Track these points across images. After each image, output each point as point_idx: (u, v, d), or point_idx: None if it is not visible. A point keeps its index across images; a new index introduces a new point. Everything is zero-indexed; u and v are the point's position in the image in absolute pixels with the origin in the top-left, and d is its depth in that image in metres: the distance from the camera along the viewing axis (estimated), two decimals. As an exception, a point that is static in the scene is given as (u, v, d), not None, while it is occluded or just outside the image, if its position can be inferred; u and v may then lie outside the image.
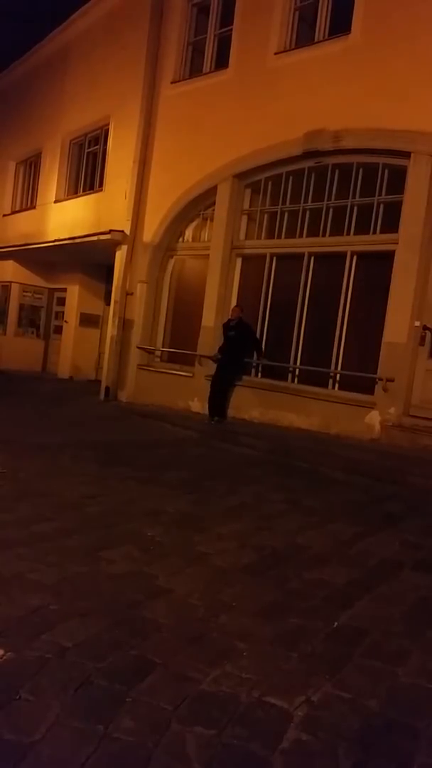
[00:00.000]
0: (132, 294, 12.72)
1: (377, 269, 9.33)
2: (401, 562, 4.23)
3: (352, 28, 9.73)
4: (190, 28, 12.87)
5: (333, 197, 10.10)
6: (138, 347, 12.66)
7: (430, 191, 8.73)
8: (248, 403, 10.55)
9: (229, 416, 10.54)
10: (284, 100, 10.45)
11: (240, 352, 10.56)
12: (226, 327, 10.73)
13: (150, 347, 12.68)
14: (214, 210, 11.62)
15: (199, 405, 11.21)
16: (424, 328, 8.78)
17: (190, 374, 11.53)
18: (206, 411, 10.67)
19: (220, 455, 8.01)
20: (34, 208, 17.72)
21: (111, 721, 2.33)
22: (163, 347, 12.67)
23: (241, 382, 10.75)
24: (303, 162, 10.35)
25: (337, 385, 9.74)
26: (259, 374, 10.80)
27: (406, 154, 8.95)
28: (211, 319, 11.30)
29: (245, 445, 8.30)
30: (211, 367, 11.02)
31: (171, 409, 11.51)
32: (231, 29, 11.71)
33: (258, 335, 10.81)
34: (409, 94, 8.86)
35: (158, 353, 12.69)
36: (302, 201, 10.51)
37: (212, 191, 11.60)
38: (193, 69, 12.74)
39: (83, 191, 15.73)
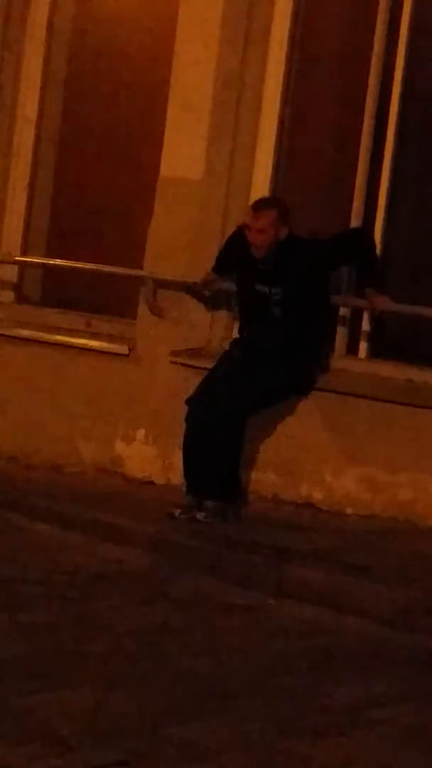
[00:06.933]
0: None
1: None
2: None
3: None
4: None
5: None
6: None
7: None
8: (321, 448, 4.82)
9: (251, 491, 4.79)
10: None
11: (297, 336, 4.70)
12: (246, 268, 4.69)
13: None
14: None
15: (151, 450, 5.11)
16: None
17: (123, 347, 5.22)
18: (177, 474, 4.78)
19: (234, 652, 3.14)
20: None
21: None
22: (23, 255, 5.90)
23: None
24: None
25: None
26: (360, 348, 5.14)
27: None
28: (188, 153, 5.24)
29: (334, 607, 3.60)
30: (196, 326, 5.04)
31: (56, 466, 5.51)
32: None
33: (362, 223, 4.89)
34: None
35: (10, 281, 6.06)
36: None
37: None
38: None
39: None
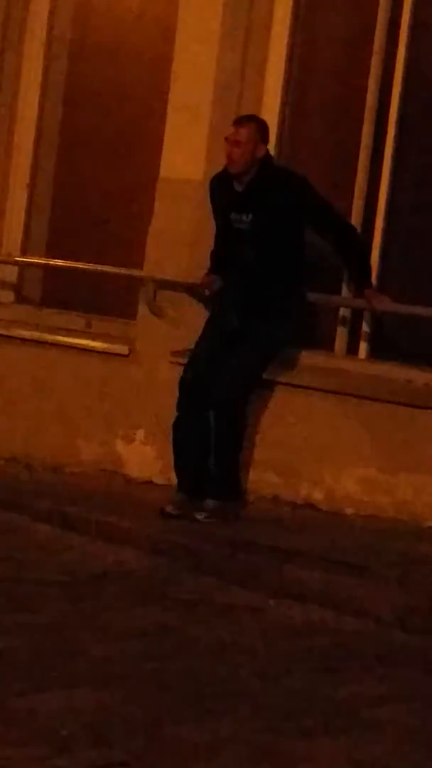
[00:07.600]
0: None
1: None
2: None
3: None
4: None
5: None
6: None
7: None
8: (321, 448, 4.62)
9: (251, 491, 4.62)
10: None
11: (274, 285, 4.44)
12: (223, 198, 4.52)
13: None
14: None
15: (151, 451, 5.03)
16: None
17: (123, 347, 5.16)
18: (171, 475, 4.63)
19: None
20: None
21: None
22: (23, 256, 5.89)
23: (285, 374, 4.70)
24: None
25: None
26: (360, 348, 4.92)
27: None
28: (188, 153, 5.16)
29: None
30: (196, 326, 4.75)
31: (56, 466, 5.38)
32: None
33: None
34: None
35: (10, 281, 6.02)
36: None
37: None
38: None
39: None
